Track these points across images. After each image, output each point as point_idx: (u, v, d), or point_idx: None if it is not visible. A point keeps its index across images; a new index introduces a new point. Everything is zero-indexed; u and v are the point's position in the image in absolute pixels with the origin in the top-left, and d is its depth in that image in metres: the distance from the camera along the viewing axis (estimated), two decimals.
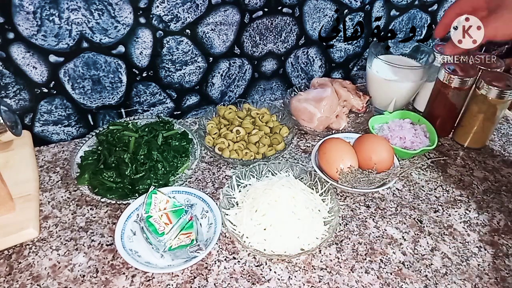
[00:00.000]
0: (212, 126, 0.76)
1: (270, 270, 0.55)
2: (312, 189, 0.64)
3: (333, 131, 0.79)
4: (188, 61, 0.76)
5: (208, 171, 0.71)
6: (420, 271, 0.56)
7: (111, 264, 0.55)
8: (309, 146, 0.78)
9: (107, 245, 0.58)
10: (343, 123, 0.80)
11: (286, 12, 0.78)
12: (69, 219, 0.61)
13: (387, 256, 0.58)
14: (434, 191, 0.69)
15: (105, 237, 0.59)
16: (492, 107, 0.70)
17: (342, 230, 0.61)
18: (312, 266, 0.56)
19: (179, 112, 0.84)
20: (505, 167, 0.74)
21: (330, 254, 0.58)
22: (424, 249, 0.59)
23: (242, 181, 0.65)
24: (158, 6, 0.68)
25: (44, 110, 0.72)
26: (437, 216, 0.64)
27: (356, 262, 0.57)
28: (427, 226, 0.62)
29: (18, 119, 0.65)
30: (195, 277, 0.54)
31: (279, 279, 0.54)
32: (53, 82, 0.69)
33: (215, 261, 0.56)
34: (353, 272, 0.55)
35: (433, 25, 0.94)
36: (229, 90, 0.85)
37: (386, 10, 0.87)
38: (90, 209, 0.63)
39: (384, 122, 0.79)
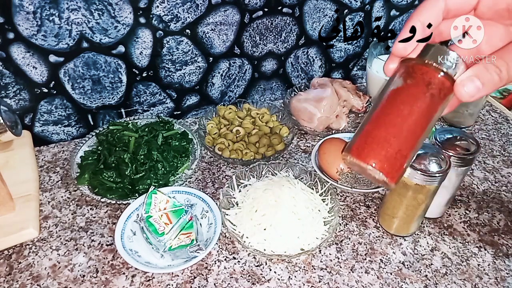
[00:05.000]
0: (212, 126, 0.76)
1: (270, 270, 0.55)
2: (312, 189, 0.64)
3: (333, 131, 0.79)
4: (188, 61, 0.76)
5: (208, 171, 0.71)
6: (420, 271, 0.56)
7: (111, 264, 0.55)
8: (309, 146, 0.78)
9: (107, 245, 0.58)
10: (343, 123, 0.80)
11: (286, 12, 0.78)
12: (69, 219, 0.61)
13: (387, 256, 0.58)
14: None
15: (105, 237, 0.59)
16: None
17: (342, 230, 0.61)
18: (312, 266, 0.56)
19: (179, 112, 0.84)
20: (505, 167, 0.74)
21: (330, 254, 0.58)
22: (424, 249, 0.59)
23: (242, 181, 0.65)
24: (158, 6, 0.68)
25: (44, 110, 0.72)
26: (437, 216, 0.64)
27: (356, 262, 0.57)
28: (427, 226, 0.62)
29: (18, 119, 0.65)
30: (195, 277, 0.54)
31: (279, 279, 0.54)
32: (53, 82, 0.69)
33: (215, 261, 0.56)
34: (353, 272, 0.55)
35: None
36: (229, 90, 0.85)
37: (386, 10, 0.87)
38: (90, 209, 0.63)
39: None
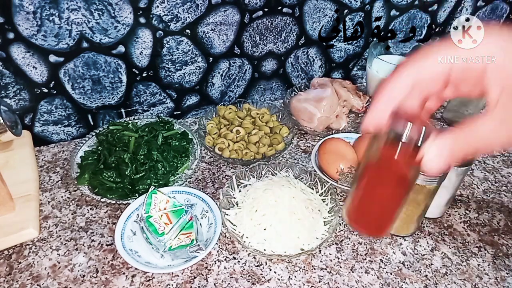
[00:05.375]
0: (212, 126, 0.76)
1: (270, 270, 0.55)
2: (312, 189, 0.64)
3: (333, 131, 0.79)
4: (188, 61, 0.76)
5: (208, 171, 0.71)
6: (420, 271, 0.56)
7: (111, 264, 0.55)
8: (309, 146, 0.78)
9: (107, 245, 0.58)
10: (343, 123, 0.80)
11: (286, 12, 0.78)
12: (69, 219, 0.61)
13: (387, 256, 0.58)
14: None
15: (105, 237, 0.59)
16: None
17: (342, 230, 0.61)
18: (312, 266, 0.56)
19: (179, 112, 0.84)
20: (505, 167, 0.74)
21: (330, 254, 0.58)
22: (424, 249, 0.59)
23: (242, 181, 0.65)
24: (158, 6, 0.68)
25: (44, 110, 0.72)
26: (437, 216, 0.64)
27: (356, 262, 0.57)
28: (427, 226, 0.62)
29: (18, 119, 0.65)
30: (195, 277, 0.54)
31: (279, 279, 0.54)
32: (53, 82, 0.69)
33: (215, 261, 0.56)
34: (353, 272, 0.55)
35: (433, 25, 0.94)
36: (229, 90, 0.85)
37: (386, 10, 0.87)
38: (90, 209, 0.63)
39: None
